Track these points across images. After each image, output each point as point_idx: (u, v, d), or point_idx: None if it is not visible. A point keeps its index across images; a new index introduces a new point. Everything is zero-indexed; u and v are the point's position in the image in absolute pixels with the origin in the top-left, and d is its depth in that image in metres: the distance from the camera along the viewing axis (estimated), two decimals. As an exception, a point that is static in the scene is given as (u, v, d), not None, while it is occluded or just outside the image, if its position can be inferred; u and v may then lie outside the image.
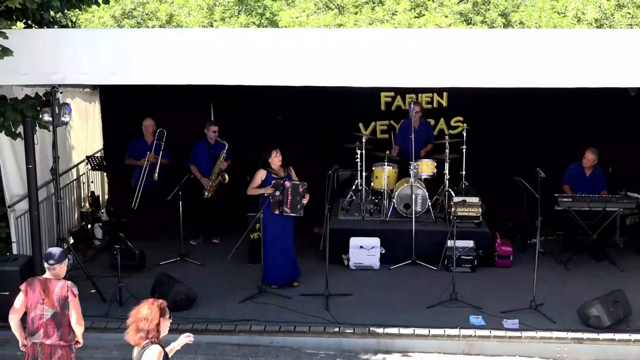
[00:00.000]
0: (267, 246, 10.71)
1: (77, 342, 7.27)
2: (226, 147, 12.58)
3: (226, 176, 12.58)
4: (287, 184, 10.58)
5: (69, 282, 7.18)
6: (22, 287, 7.21)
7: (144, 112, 13.02)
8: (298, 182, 10.67)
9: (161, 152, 12.70)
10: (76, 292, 7.14)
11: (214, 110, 13.63)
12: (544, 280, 10.53)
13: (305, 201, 10.67)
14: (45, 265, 7.18)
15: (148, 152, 12.74)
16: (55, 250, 7.30)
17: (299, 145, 12.90)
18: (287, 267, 10.92)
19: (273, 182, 10.59)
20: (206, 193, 12.57)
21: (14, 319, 7.19)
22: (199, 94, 11.62)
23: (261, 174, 10.76)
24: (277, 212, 10.60)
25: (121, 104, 13.38)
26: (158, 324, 5.96)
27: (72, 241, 12.72)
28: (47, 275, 7.17)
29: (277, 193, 10.52)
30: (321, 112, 13.26)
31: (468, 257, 11.51)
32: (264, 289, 10.54)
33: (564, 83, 8.84)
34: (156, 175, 12.57)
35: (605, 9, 25.28)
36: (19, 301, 7.17)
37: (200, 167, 12.66)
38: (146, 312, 5.96)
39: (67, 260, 7.39)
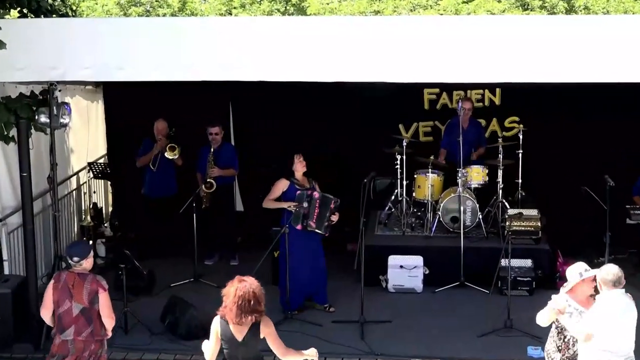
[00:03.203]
0: (291, 265, 10.69)
1: (107, 333, 7.87)
2: (211, 151, 12.55)
3: (213, 183, 12.46)
4: (316, 194, 10.58)
5: (98, 276, 7.77)
6: (50, 282, 7.80)
7: (153, 113, 13.04)
8: (330, 196, 10.66)
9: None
10: (106, 286, 7.71)
11: (233, 110, 13.68)
12: (614, 305, 10.43)
13: (334, 219, 10.67)
14: (71, 262, 7.68)
15: (158, 139, 12.76)
16: (79, 246, 7.97)
17: (331, 150, 12.91)
18: (313, 289, 10.94)
19: (298, 193, 10.59)
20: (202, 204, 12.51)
21: (46, 315, 7.79)
22: (216, 92, 11.66)
23: (282, 184, 10.74)
24: (299, 226, 10.60)
25: (128, 104, 13.48)
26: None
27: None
28: (73, 270, 7.69)
29: (305, 205, 10.52)
30: (356, 112, 13.25)
31: (525, 279, 11.44)
32: (290, 315, 10.55)
33: (637, 78, 8.73)
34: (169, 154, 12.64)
35: (684, -8, 25.15)
36: (48, 297, 7.72)
37: (204, 175, 12.66)
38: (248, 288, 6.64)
39: (92, 253, 7.85)
